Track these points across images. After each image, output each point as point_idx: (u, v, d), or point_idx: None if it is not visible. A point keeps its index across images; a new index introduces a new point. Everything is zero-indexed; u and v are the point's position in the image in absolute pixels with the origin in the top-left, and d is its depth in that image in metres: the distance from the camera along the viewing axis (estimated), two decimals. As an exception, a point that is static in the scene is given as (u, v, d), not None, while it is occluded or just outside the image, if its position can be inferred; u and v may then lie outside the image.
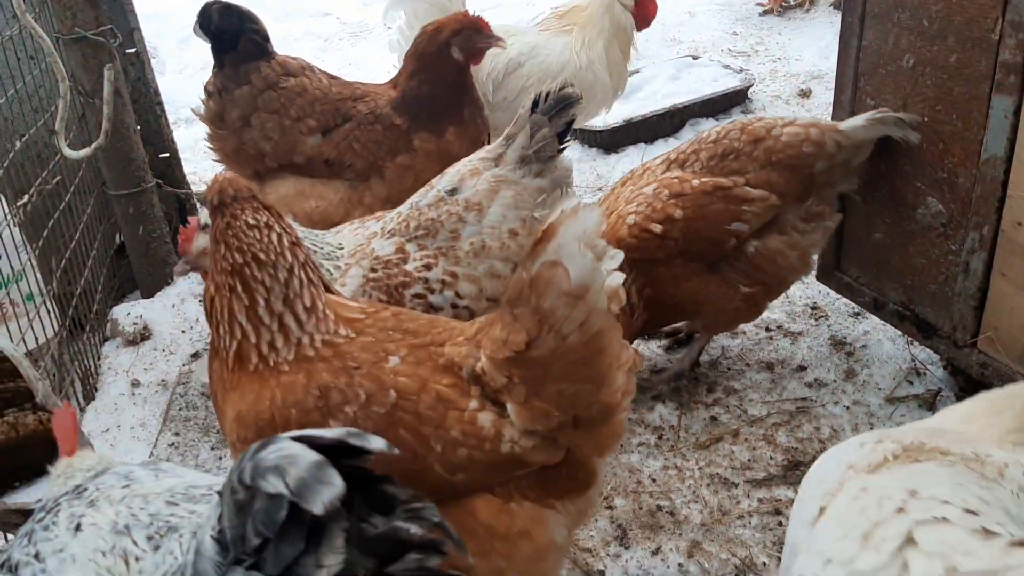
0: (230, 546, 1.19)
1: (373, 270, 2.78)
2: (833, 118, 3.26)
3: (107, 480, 1.64)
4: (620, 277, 1.86)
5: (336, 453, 1.15)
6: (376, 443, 1.18)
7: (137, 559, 1.45)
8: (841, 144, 3.05)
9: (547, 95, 2.81)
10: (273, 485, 1.11)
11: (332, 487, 1.08)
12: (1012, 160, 2.61)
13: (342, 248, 2.86)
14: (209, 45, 3.68)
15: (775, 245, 3.16)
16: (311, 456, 1.11)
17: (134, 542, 1.47)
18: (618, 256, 1.85)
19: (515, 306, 1.86)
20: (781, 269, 3.22)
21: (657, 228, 3.10)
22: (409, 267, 2.80)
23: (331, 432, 1.17)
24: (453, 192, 2.89)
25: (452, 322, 2.16)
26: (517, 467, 1.96)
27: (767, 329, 3.71)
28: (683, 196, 3.12)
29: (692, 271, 3.18)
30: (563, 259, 1.77)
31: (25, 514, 2.15)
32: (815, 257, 3.37)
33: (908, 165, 2.99)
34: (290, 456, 1.11)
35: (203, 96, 3.77)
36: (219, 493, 1.24)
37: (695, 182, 3.14)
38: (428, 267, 2.82)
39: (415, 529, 1.19)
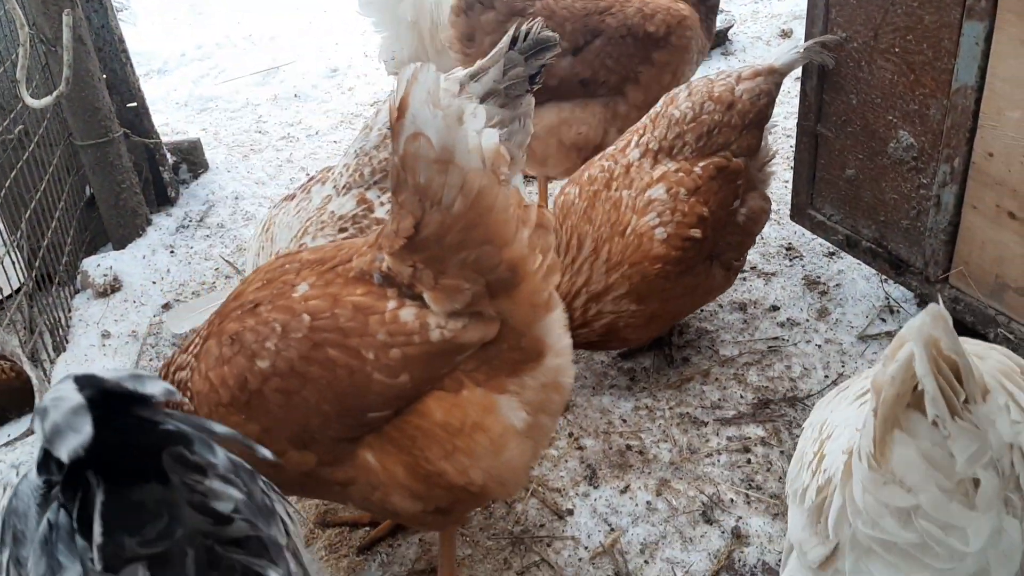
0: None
1: (343, 230, 2.72)
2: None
3: None
4: (495, 135, 1.81)
5: (129, 402, 1.12)
6: (154, 387, 1.13)
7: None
8: (779, 83, 3.06)
9: (527, 33, 2.74)
10: (36, 428, 1.10)
11: (79, 435, 1.05)
12: (983, 89, 2.56)
13: None
14: None
15: (756, 204, 3.07)
16: (72, 400, 1.07)
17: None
18: (481, 113, 1.80)
19: (399, 194, 1.85)
20: (760, 225, 3.15)
21: (697, 233, 2.84)
22: (379, 213, 2.75)
23: (112, 373, 1.12)
24: None
25: (359, 240, 2.15)
26: (456, 351, 1.95)
27: (741, 270, 3.68)
28: (700, 191, 2.88)
29: (706, 269, 2.99)
30: (421, 127, 1.73)
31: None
32: None
33: (880, 98, 2.94)
34: (57, 398, 1.08)
35: (451, 16, 3.79)
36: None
37: (698, 170, 2.90)
38: None
39: (234, 492, 1.18)
